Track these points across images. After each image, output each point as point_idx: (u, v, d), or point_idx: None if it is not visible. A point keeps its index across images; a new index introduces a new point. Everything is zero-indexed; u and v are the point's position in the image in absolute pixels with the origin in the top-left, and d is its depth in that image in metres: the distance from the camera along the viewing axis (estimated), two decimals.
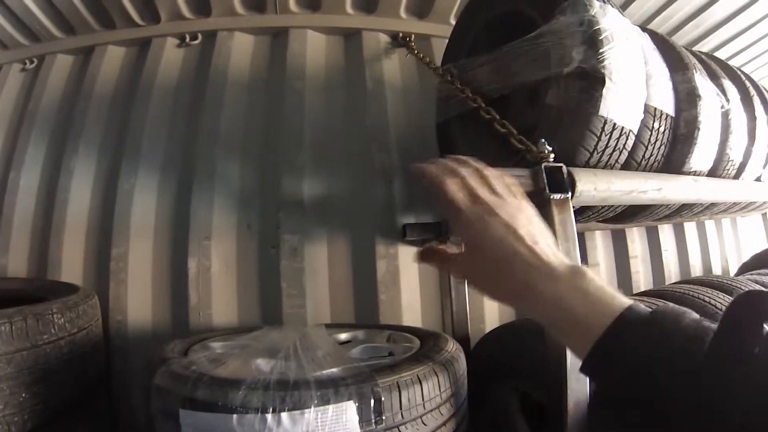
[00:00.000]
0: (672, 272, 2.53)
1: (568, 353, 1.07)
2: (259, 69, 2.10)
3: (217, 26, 2.10)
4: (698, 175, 1.72)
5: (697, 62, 1.78)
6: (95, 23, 2.11)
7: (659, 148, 1.56)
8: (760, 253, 2.75)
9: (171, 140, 1.98)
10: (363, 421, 0.83)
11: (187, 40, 2.11)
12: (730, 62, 2.47)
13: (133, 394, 1.71)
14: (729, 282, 1.95)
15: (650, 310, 0.50)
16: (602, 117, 1.31)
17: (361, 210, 1.92)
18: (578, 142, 1.32)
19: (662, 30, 2.37)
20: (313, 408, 0.81)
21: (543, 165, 1.18)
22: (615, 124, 1.34)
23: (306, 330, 1.38)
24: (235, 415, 0.83)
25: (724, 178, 1.86)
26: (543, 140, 1.24)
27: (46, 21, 2.08)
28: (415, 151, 2.02)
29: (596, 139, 1.33)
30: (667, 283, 2.35)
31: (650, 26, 2.37)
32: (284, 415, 0.81)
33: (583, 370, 0.52)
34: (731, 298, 1.73)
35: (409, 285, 1.89)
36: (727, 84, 1.87)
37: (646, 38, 1.65)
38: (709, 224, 2.84)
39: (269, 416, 0.81)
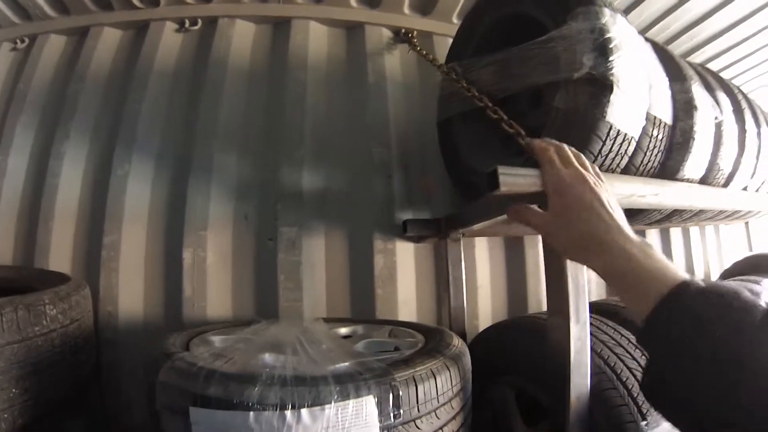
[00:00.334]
0: None
1: (572, 348, 1.11)
2: (260, 58, 2.08)
3: (218, 12, 2.06)
4: (690, 182, 1.79)
5: (694, 73, 1.84)
6: (91, 3, 2.05)
7: (656, 155, 1.61)
8: (742, 260, 2.87)
9: (168, 127, 1.94)
10: (382, 415, 0.84)
11: (187, 25, 2.07)
12: (722, 74, 2.56)
13: (122, 389, 1.68)
14: None
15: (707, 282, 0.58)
16: (608, 122, 1.34)
17: (359, 204, 1.93)
18: (584, 146, 1.35)
19: (659, 39, 2.44)
20: (333, 403, 0.81)
21: None
22: (619, 130, 1.38)
23: (305, 324, 1.38)
24: (251, 413, 0.81)
25: (713, 186, 1.93)
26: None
27: None
28: (415, 147, 2.04)
29: (601, 144, 1.36)
30: None
31: (648, 35, 2.44)
32: (304, 411, 0.80)
33: (648, 325, 0.57)
34: None
35: (405, 280, 1.91)
36: (721, 96, 1.93)
37: (648, 47, 1.70)
38: (694, 230, 2.94)
39: (288, 413, 0.80)
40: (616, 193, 1.35)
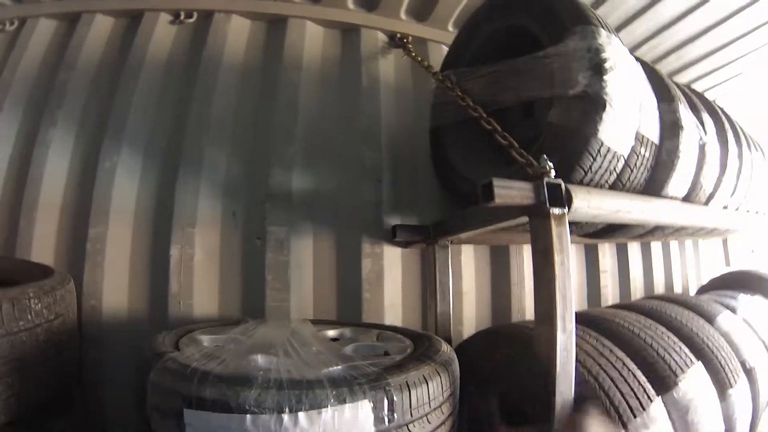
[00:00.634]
0: (638, 289, 2.71)
1: (558, 358, 1.16)
2: (254, 55, 2.09)
3: (214, 6, 2.06)
4: (673, 199, 1.87)
5: (681, 94, 1.92)
6: None
7: (642, 172, 1.67)
8: (720, 276, 2.99)
9: (158, 121, 1.93)
10: (377, 419, 0.86)
11: (182, 17, 2.06)
12: (708, 94, 2.68)
13: (106, 387, 1.66)
14: (692, 300, 2.11)
15: None
16: (600, 140, 1.40)
17: (348, 207, 1.95)
18: (575, 161, 1.41)
19: (647, 58, 2.52)
20: (330, 407, 0.83)
21: (545, 180, 1.23)
22: (609, 148, 1.44)
23: (293, 325, 1.40)
24: (248, 416, 0.83)
25: (695, 204, 2.01)
26: (545, 156, 1.31)
27: None
28: (406, 153, 2.08)
29: (592, 160, 1.42)
30: (633, 299, 2.52)
31: (636, 54, 2.53)
32: (301, 415, 0.82)
33: None
34: (697, 315, 1.91)
35: (392, 284, 1.94)
36: (706, 117, 2.03)
37: (639, 67, 1.77)
38: (674, 245, 3.06)
39: (285, 416, 0.82)
40: (604, 209, 1.43)
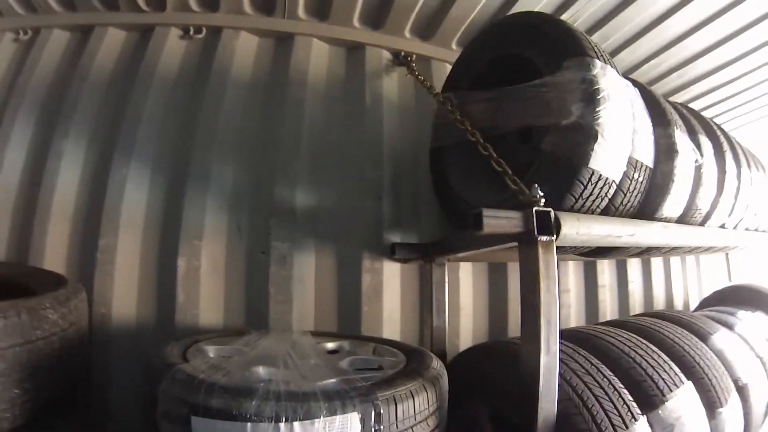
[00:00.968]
0: (636, 303, 2.81)
1: (541, 377, 1.27)
2: (261, 72, 2.22)
3: (223, 23, 2.20)
4: (668, 221, 1.97)
5: (678, 117, 2.02)
6: (97, 2, 2.16)
7: (636, 195, 1.78)
8: (720, 290, 3.08)
9: (167, 134, 2.07)
10: (364, 430, 0.99)
11: (191, 32, 2.20)
12: (707, 111, 2.77)
13: (113, 390, 1.79)
14: (687, 318, 2.21)
15: None
16: (591, 169, 1.51)
17: (350, 223, 2.08)
18: (566, 189, 1.52)
19: (648, 77, 2.63)
20: (322, 418, 0.96)
21: (534, 209, 1.34)
22: (601, 175, 1.55)
23: (294, 337, 1.52)
24: (249, 424, 0.96)
25: (691, 224, 2.11)
26: (536, 185, 1.41)
27: None
28: (407, 171, 2.21)
29: (583, 188, 1.53)
30: (631, 314, 2.62)
31: (638, 72, 2.64)
32: (296, 424, 0.95)
33: None
34: (691, 332, 2.00)
35: (391, 299, 2.07)
36: (703, 139, 2.12)
37: (635, 93, 1.87)
38: (675, 260, 3.15)
39: (282, 425, 0.95)
40: (593, 234, 1.54)
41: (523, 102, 1.71)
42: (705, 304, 3.06)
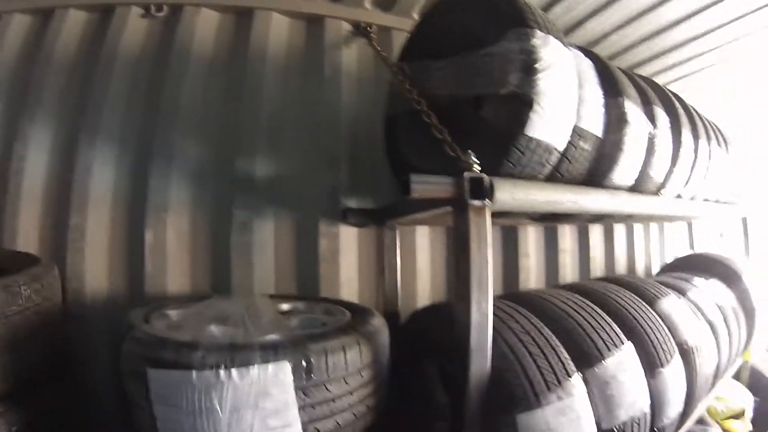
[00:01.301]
0: (598, 268, 2.96)
1: (472, 334, 1.40)
2: (222, 48, 2.31)
3: (184, 0, 2.26)
4: (620, 188, 2.09)
5: (632, 89, 2.11)
6: None
7: (583, 163, 1.89)
8: (680, 258, 3.24)
9: (131, 112, 2.17)
10: (296, 377, 1.15)
11: (152, 11, 2.26)
12: (678, 83, 2.85)
13: (88, 360, 1.94)
14: (638, 282, 2.36)
15: None
16: (527, 136, 1.62)
17: (308, 191, 2.24)
18: (503, 156, 1.63)
19: (617, 47, 2.70)
20: (257, 365, 1.11)
21: (466, 174, 1.44)
22: (539, 142, 1.66)
23: (252, 299, 1.67)
24: (194, 371, 1.12)
25: (644, 193, 2.23)
26: (470, 151, 1.51)
27: None
28: (364, 140, 2.33)
29: (520, 155, 1.64)
30: (591, 277, 2.77)
31: (607, 42, 2.71)
32: (234, 370, 1.11)
33: None
34: (638, 296, 2.14)
35: (348, 262, 2.25)
36: (659, 111, 2.22)
37: (588, 64, 1.96)
38: (638, 227, 3.29)
39: (222, 371, 1.11)
40: (531, 200, 1.66)
41: (471, 72, 1.80)
42: (665, 270, 3.22)
